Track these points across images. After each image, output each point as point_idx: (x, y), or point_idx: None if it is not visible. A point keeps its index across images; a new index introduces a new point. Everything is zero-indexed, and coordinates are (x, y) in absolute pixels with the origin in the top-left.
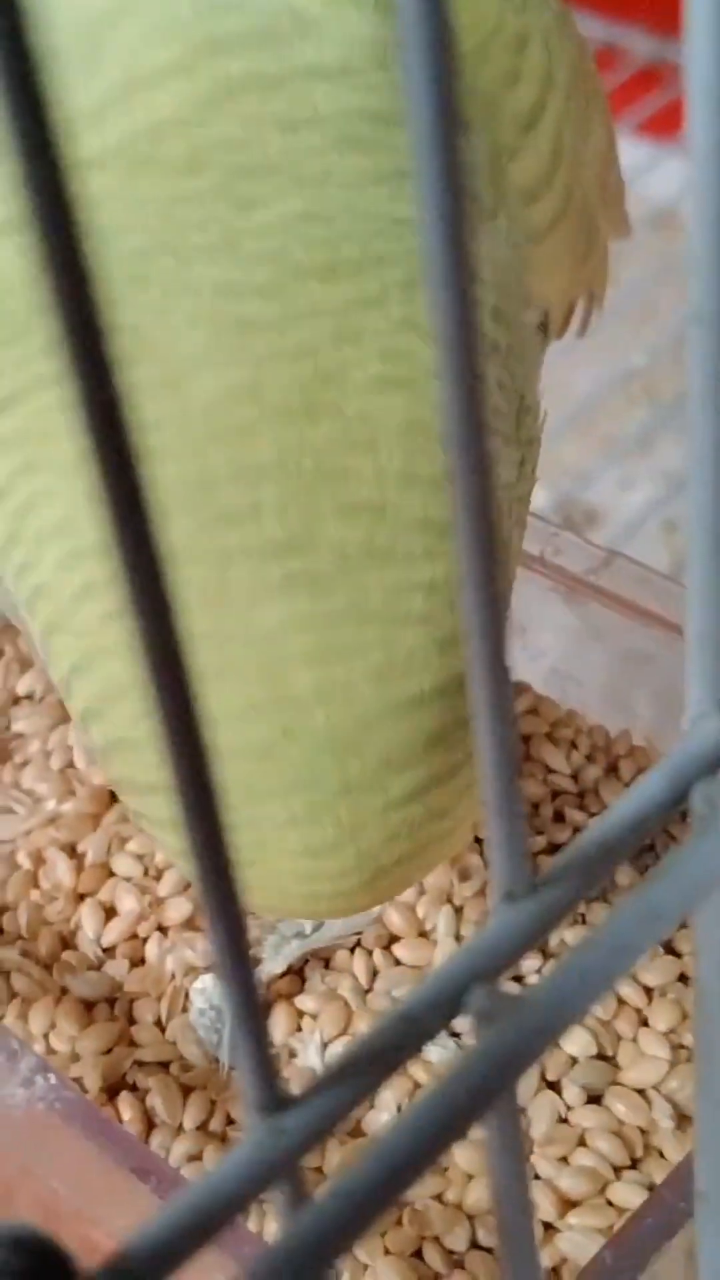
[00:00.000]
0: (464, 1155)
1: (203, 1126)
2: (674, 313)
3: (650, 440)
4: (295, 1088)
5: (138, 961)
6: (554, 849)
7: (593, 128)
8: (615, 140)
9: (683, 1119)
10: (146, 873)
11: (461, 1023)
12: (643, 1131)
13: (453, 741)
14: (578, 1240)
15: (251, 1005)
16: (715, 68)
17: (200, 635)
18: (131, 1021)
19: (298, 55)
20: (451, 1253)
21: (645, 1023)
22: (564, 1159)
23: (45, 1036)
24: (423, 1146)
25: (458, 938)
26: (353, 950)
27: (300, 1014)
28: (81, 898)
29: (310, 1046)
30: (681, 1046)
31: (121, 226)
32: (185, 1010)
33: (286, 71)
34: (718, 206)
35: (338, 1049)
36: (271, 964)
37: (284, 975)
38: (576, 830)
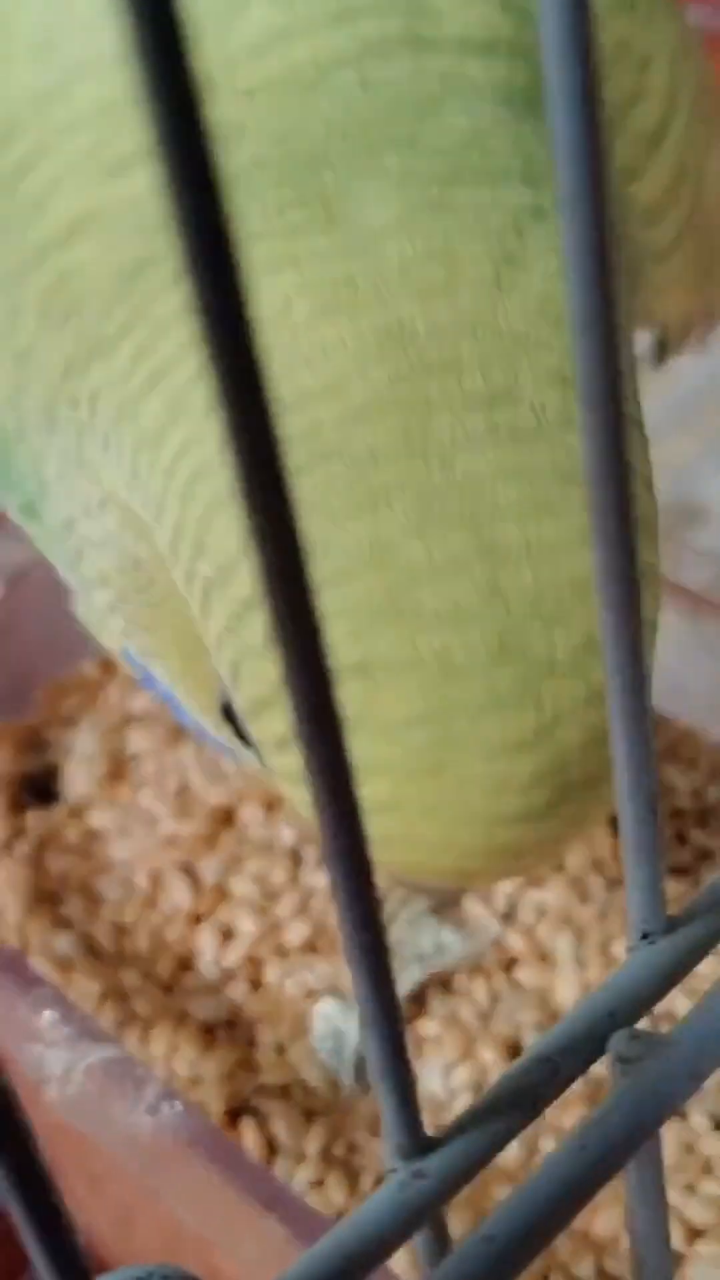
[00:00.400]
0: None
1: (325, 1152)
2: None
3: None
4: (422, 1116)
5: (257, 984)
6: (676, 872)
7: (715, 148)
8: None
9: None
10: (265, 894)
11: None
12: None
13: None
14: (706, 1270)
15: (397, 1050)
16: None
17: (399, 487)
18: (252, 1045)
19: (448, 26)
20: None
21: None
22: (690, 1187)
23: (167, 1060)
24: (568, 1194)
25: (579, 961)
26: (473, 974)
27: (421, 1039)
28: (199, 919)
29: (432, 1073)
30: None
31: (296, 127)
32: (305, 1034)
33: (439, 37)
34: None
35: (460, 1075)
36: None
37: (406, 997)
38: (699, 852)
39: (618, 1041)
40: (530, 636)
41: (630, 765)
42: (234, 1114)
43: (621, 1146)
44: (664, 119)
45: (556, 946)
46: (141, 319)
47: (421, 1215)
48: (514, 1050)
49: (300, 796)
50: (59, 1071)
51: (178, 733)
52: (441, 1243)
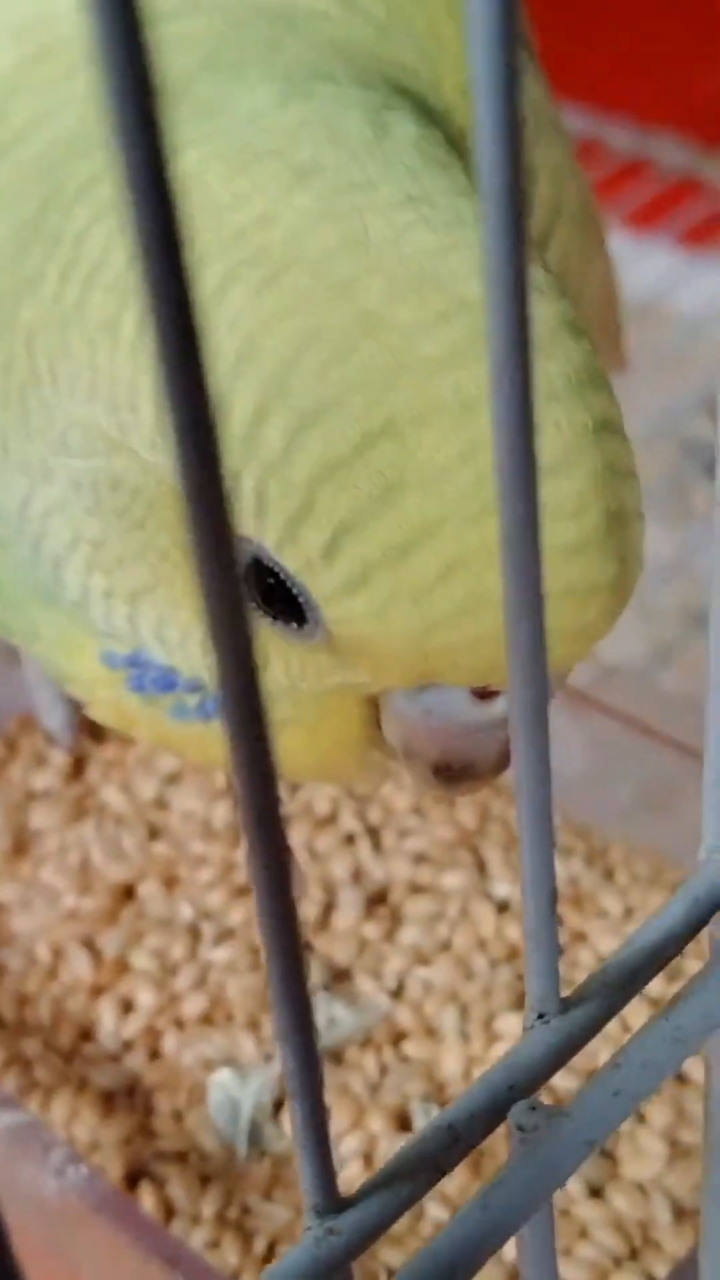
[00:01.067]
0: None
1: (220, 1215)
2: (654, 404)
3: None
4: None
5: (155, 1054)
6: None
7: (595, 263)
8: (615, 279)
9: (680, 1213)
10: (163, 968)
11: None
12: (641, 1225)
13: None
14: None
15: (317, 1112)
16: None
17: (364, 272)
18: (150, 1113)
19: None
20: None
21: (643, 1119)
22: (567, 1251)
23: (67, 1126)
24: (473, 1249)
25: (464, 1035)
26: (363, 1047)
27: (291, 1111)
28: (100, 991)
29: None
30: (677, 1142)
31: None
32: (202, 1103)
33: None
34: None
35: (350, 1143)
36: None
37: None
38: (574, 934)
39: (517, 1112)
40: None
41: (534, 859)
42: (132, 1178)
43: (521, 1208)
44: (548, 226)
45: (443, 1022)
46: (59, 241)
47: (334, 1269)
48: (402, 1119)
49: (392, 628)
50: None
51: (80, 809)
52: None
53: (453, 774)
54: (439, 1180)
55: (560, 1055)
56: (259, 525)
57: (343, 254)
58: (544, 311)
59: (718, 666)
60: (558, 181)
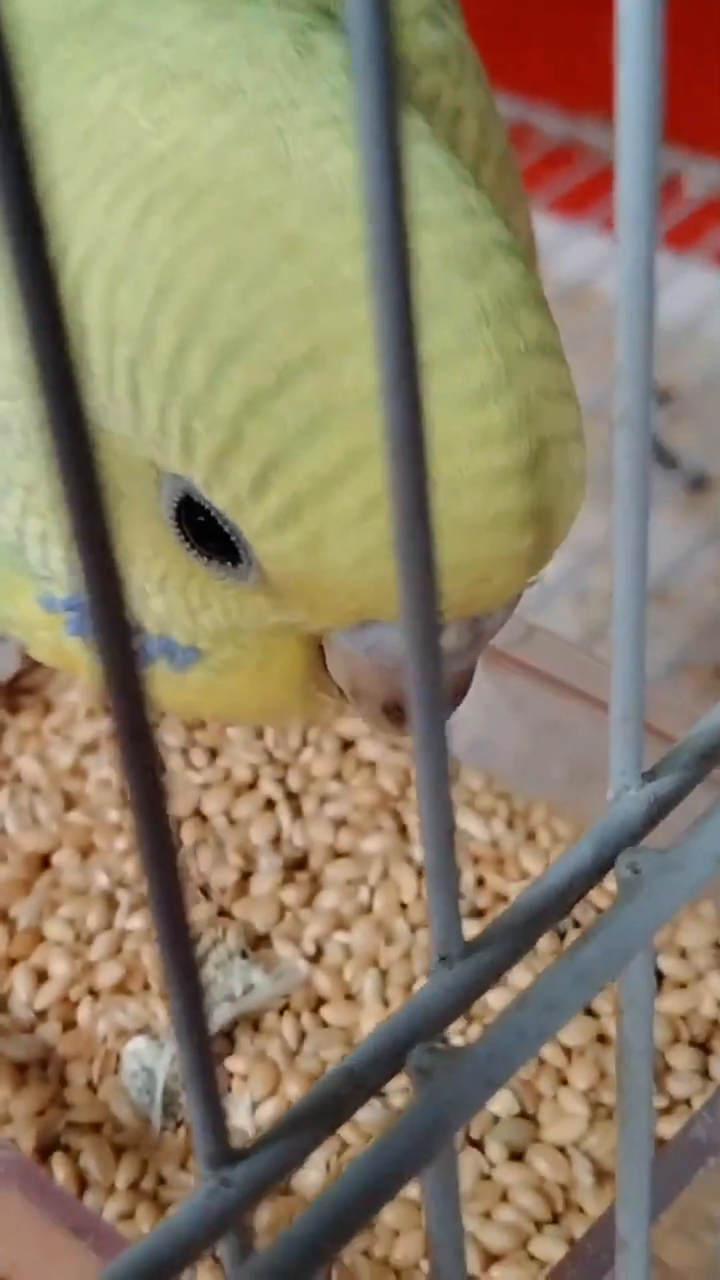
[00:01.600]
0: (391, 1213)
1: (134, 1186)
2: (587, 386)
3: None
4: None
5: (70, 1025)
6: (477, 913)
7: (518, 209)
8: (534, 233)
9: (602, 1175)
10: (78, 937)
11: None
12: (563, 1187)
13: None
14: None
15: (204, 1061)
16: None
17: (285, 193)
18: (64, 1084)
19: None
20: None
21: (565, 1082)
22: (487, 1214)
23: None
24: (369, 1197)
25: (384, 1000)
26: (281, 1013)
27: (230, 1075)
28: (13, 962)
29: (240, 1107)
30: (600, 1104)
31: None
32: (116, 1072)
33: None
34: (641, 322)
35: (267, 1110)
36: None
37: (215, 1036)
38: (496, 896)
39: (417, 1055)
40: (455, 291)
41: (431, 801)
42: (45, 1150)
43: (420, 1150)
44: (475, 167)
45: (362, 986)
46: None
47: (227, 1221)
48: None
49: (324, 562)
50: None
51: None
52: (246, 1247)
53: (402, 712)
54: (337, 1127)
55: (463, 999)
56: (186, 462)
57: (263, 176)
58: (475, 231)
59: (622, 600)
60: (482, 124)
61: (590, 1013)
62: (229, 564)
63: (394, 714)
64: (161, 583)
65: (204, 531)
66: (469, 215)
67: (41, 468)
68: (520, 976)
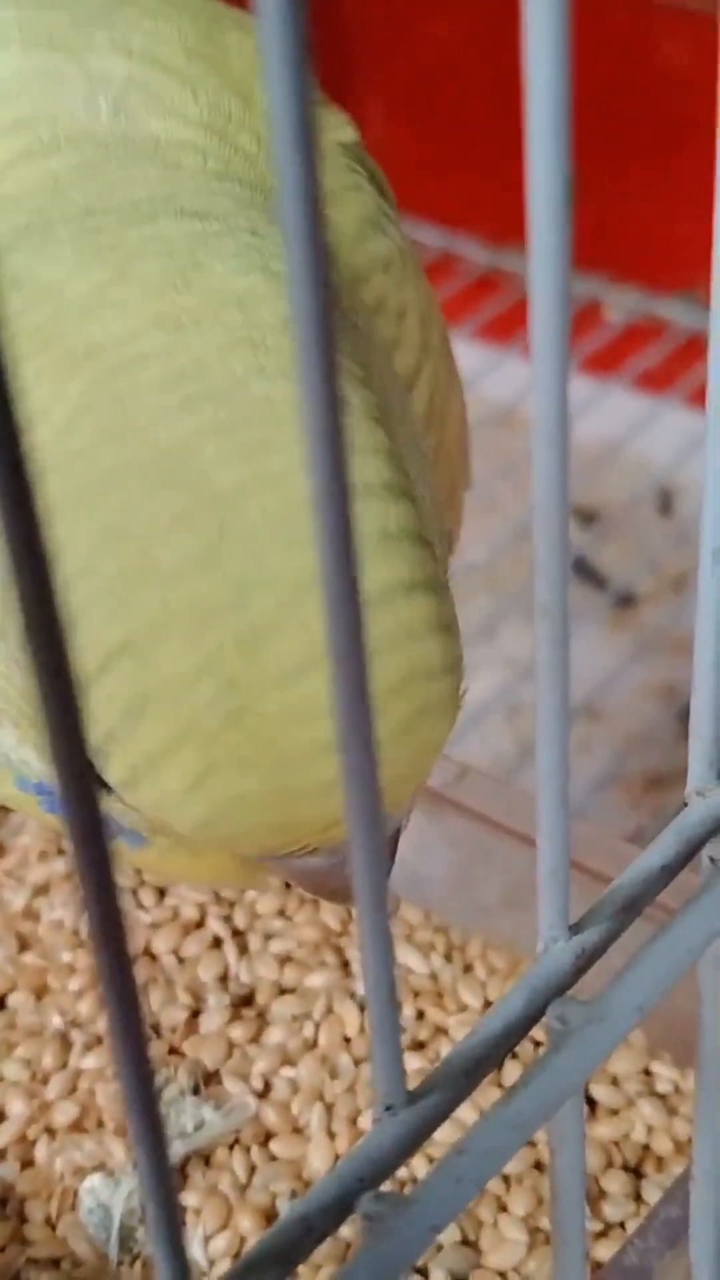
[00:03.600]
0: None
1: None
2: (514, 506)
3: (493, 628)
4: None
5: (28, 1163)
6: (418, 1045)
7: (454, 392)
8: (465, 414)
9: None
10: (34, 1077)
11: None
12: None
13: (409, 548)
14: None
15: (168, 1200)
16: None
17: (115, 472)
18: (23, 1220)
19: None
20: None
21: (504, 1208)
22: None
23: None
24: None
25: (330, 1133)
26: (231, 1148)
27: (183, 1210)
28: None
29: (194, 1241)
30: (538, 1229)
31: None
32: (74, 1209)
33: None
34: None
35: (219, 1243)
36: None
37: None
38: (435, 1028)
39: (366, 1202)
40: (271, 565)
41: (373, 959)
42: None
43: None
44: (418, 363)
45: (309, 1120)
46: None
47: None
48: (270, 1218)
49: (172, 818)
50: None
51: None
52: None
53: (335, 895)
54: (290, 1272)
55: (408, 1146)
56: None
57: (97, 453)
58: (375, 515)
59: (545, 753)
60: (424, 319)
61: (528, 1141)
62: None
63: (328, 896)
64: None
65: None
66: (372, 497)
67: (6, 664)
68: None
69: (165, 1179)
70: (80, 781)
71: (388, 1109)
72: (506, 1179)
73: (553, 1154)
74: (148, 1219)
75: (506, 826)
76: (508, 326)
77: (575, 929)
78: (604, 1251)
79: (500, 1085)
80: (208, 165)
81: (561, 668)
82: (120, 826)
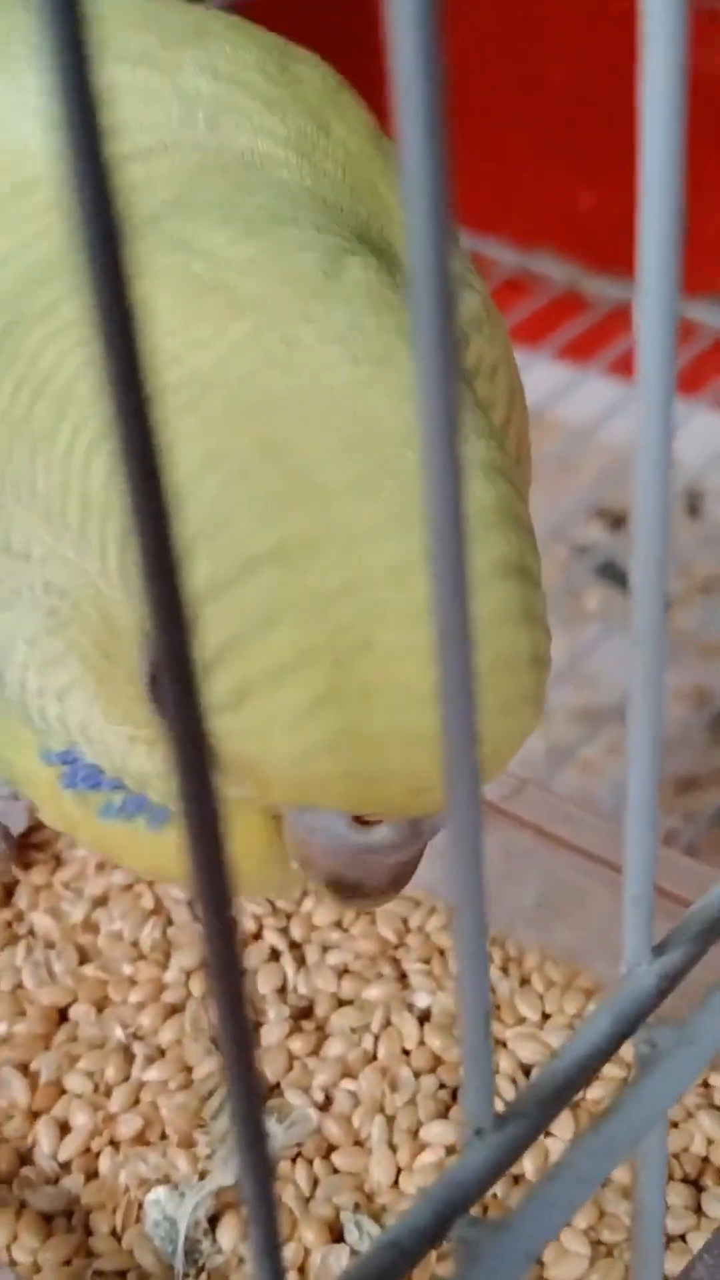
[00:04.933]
0: None
1: None
2: (543, 509)
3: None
4: None
5: (92, 1175)
6: None
7: (527, 433)
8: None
9: None
10: (97, 1089)
11: None
12: None
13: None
14: None
15: (272, 1235)
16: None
17: (279, 398)
18: (89, 1233)
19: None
20: None
21: (567, 1222)
22: None
23: (7, 1248)
24: None
25: (391, 1146)
26: (294, 1160)
27: (247, 1223)
28: (36, 1115)
29: None
30: (600, 1243)
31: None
32: (139, 1222)
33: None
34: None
35: (285, 1255)
36: (222, 1176)
37: (233, 1186)
38: (496, 1042)
39: (460, 1227)
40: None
41: (470, 979)
42: None
43: None
44: (507, 416)
45: (370, 1133)
46: (16, 358)
47: None
48: (334, 1230)
49: (268, 749)
50: None
51: (10, 935)
52: None
53: (345, 890)
54: None
55: (497, 1169)
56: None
57: (261, 381)
58: (486, 497)
59: (636, 784)
60: (511, 371)
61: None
62: None
63: (337, 889)
64: (132, 744)
65: None
66: (488, 477)
67: (41, 624)
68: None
69: (267, 1192)
70: (193, 712)
71: (476, 1132)
72: None
73: (636, 1176)
74: (250, 1235)
75: (552, 834)
76: (538, 330)
77: (658, 951)
78: (668, 1265)
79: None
80: (302, 183)
81: (656, 694)
82: (140, 803)
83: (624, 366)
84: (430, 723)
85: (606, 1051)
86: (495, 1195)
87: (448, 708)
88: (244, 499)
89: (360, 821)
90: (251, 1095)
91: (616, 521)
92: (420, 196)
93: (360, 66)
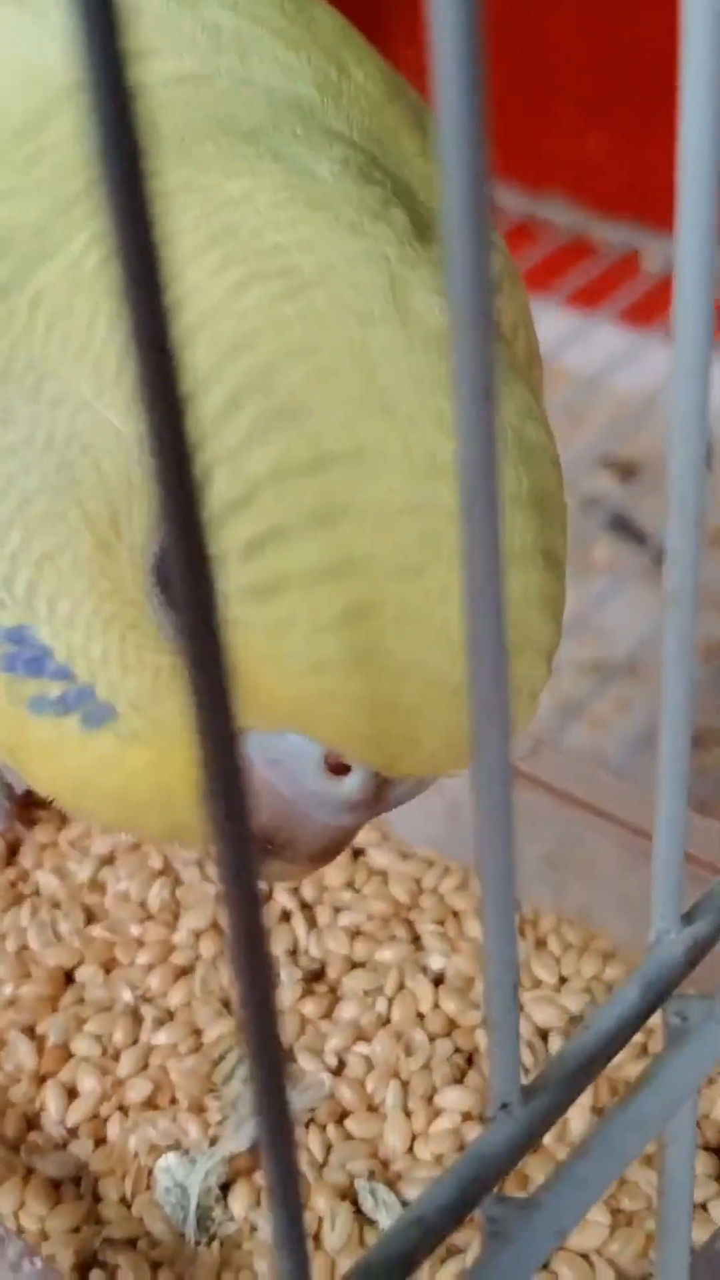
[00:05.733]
0: None
1: None
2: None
3: None
4: (260, 1261)
5: (101, 1141)
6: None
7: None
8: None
9: None
10: (105, 1053)
11: None
12: None
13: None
14: None
15: (296, 1214)
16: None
17: (377, 313)
18: (97, 1200)
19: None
20: None
21: (600, 1200)
22: None
23: (15, 1215)
24: None
25: (406, 1111)
26: (308, 1126)
27: (259, 1190)
28: (44, 1079)
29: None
30: (619, 1211)
31: (233, 113)
32: (149, 1188)
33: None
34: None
35: None
36: (234, 1142)
37: (244, 1152)
38: None
39: (488, 1205)
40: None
41: (497, 951)
42: (83, 1267)
43: None
44: (526, 368)
45: (384, 1098)
46: (90, 218)
47: None
48: (348, 1197)
49: (282, 650)
50: None
51: (15, 895)
52: None
53: (270, 847)
54: (408, 1276)
55: (524, 1144)
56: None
57: (366, 295)
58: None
59: (668, 752)
60: (528, 329)
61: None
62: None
63: (262, 845)
64: (108, 623)
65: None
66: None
67: (46, 478)
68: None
69: (294, 1196)
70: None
71: (503, 1107)
72: None
73: (663, 1150)
74: (274, 1242)
75: (564, 792)
76: (546, 276)
77: (686, 919)
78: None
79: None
80: (331, 125)
81: (689, 655)
82: (82, 695)
83: (634, 314)
84: (460, 674)
85: (635, 1023)
86: None
87: (476, 656)
88: (333, 396)
89: (330, 767)
90: (273, 1056)
91: (626, 472)
92: (458, 152)
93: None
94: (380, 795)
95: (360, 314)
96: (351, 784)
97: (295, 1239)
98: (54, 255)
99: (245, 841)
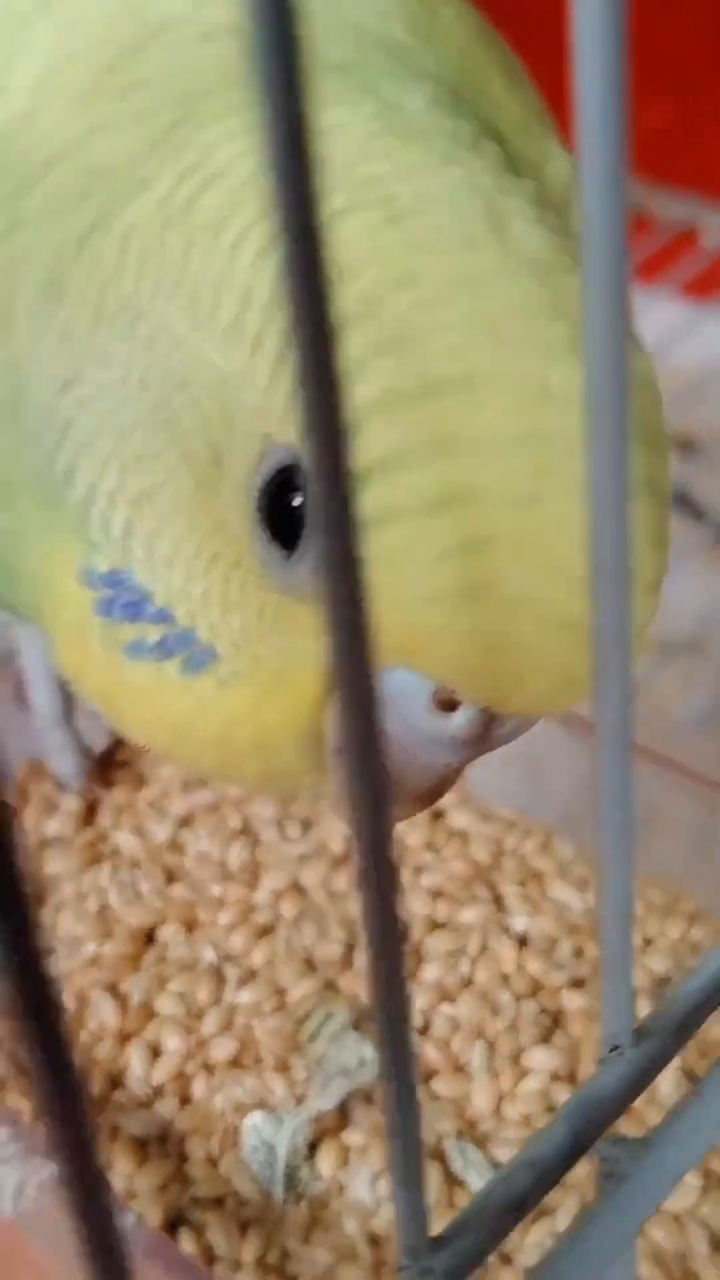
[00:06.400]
0: None
1: (260, 1260)
2: None
3: None
4: (348, 1220)
5: (186, 1100)
6: (576, 984)
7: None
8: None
9: (716, 1243)
10: (189, 1012)
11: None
12: (680, 1256)
13: None
14: None
15: (414, 1159)
16: None
17: (481, 243)
18: (183, 1159)
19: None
20: None
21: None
22: None
23: None
24: None
25: (493, 1072)
26: None
27: (346, 1149)
28: (127, 1038)
29: (360, 1179)
30: (710, 1172)
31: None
32: (235, 1147)
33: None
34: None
35: (386, 1184)
36: (320, 1101)
37: (331, 1111)
38: (595, 967)
39: (603, 1147)
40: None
41: (612, 892)
42: (171, 1225)
43: (612, 1242)
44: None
45: (471, 1058)
46: (184, 150)
47: None
48: (437, 1157)
49: (393, 583)
50: (12, 1187)
51: (94, 854)
52: None
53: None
54: (525, 1215)
55: (635, 1086)
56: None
57: (470, 221)
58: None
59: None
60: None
61: None
62: (285, 552)
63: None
64: (211, 563)
65: (279, 517)
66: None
67: (142, 417)
68: None
69: (414, 1142)
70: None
71: (613, 1049)
72: None
73: None
74: (394, 1185)
75: (642, 748)
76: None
77: None
78: None
79: None
80: (415, 59)
81: None
82: (183, 640)
83: (695, 287)
84: (575, 608)
85: None
86: None
87: (599, 592)
88: (442, 323)
89: (439, 704)
90: (397, 985)
91: (684, 447)
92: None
93: None
94: (489, 732)
95: (462, 241)
96: (460, 721)
97: (412, 1171)
98: (143, 191)
99: (379, 774)
